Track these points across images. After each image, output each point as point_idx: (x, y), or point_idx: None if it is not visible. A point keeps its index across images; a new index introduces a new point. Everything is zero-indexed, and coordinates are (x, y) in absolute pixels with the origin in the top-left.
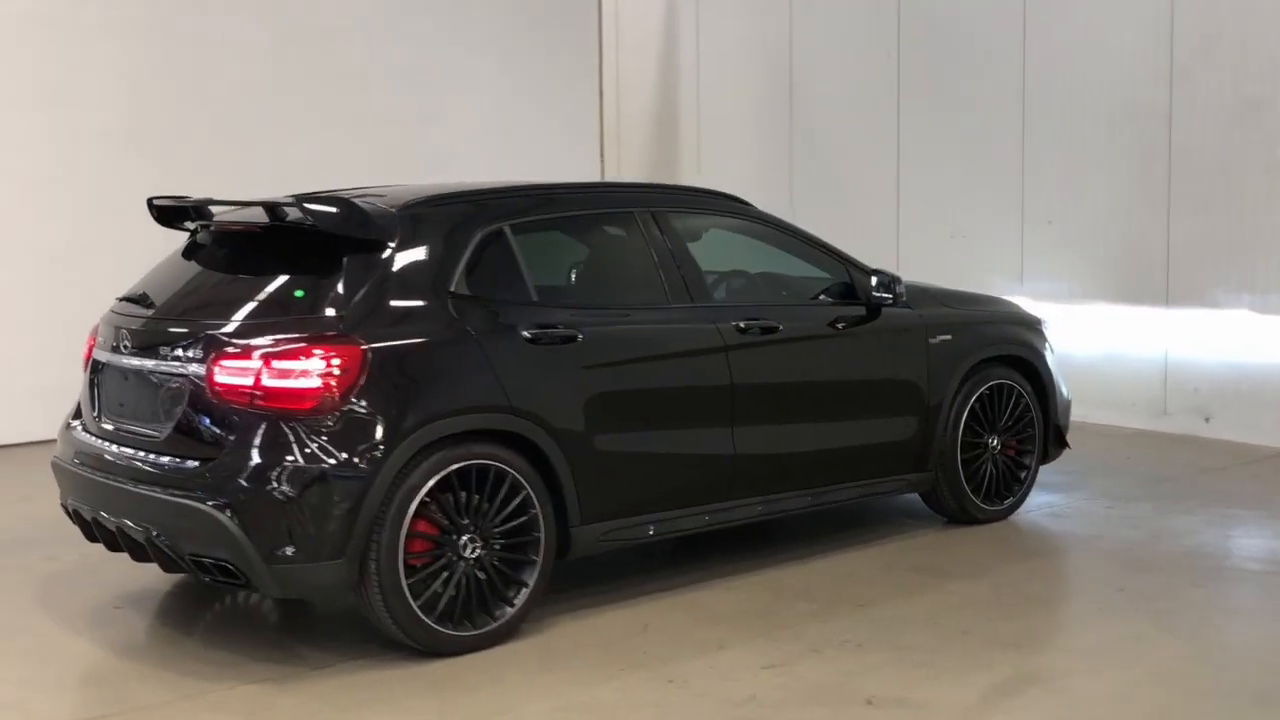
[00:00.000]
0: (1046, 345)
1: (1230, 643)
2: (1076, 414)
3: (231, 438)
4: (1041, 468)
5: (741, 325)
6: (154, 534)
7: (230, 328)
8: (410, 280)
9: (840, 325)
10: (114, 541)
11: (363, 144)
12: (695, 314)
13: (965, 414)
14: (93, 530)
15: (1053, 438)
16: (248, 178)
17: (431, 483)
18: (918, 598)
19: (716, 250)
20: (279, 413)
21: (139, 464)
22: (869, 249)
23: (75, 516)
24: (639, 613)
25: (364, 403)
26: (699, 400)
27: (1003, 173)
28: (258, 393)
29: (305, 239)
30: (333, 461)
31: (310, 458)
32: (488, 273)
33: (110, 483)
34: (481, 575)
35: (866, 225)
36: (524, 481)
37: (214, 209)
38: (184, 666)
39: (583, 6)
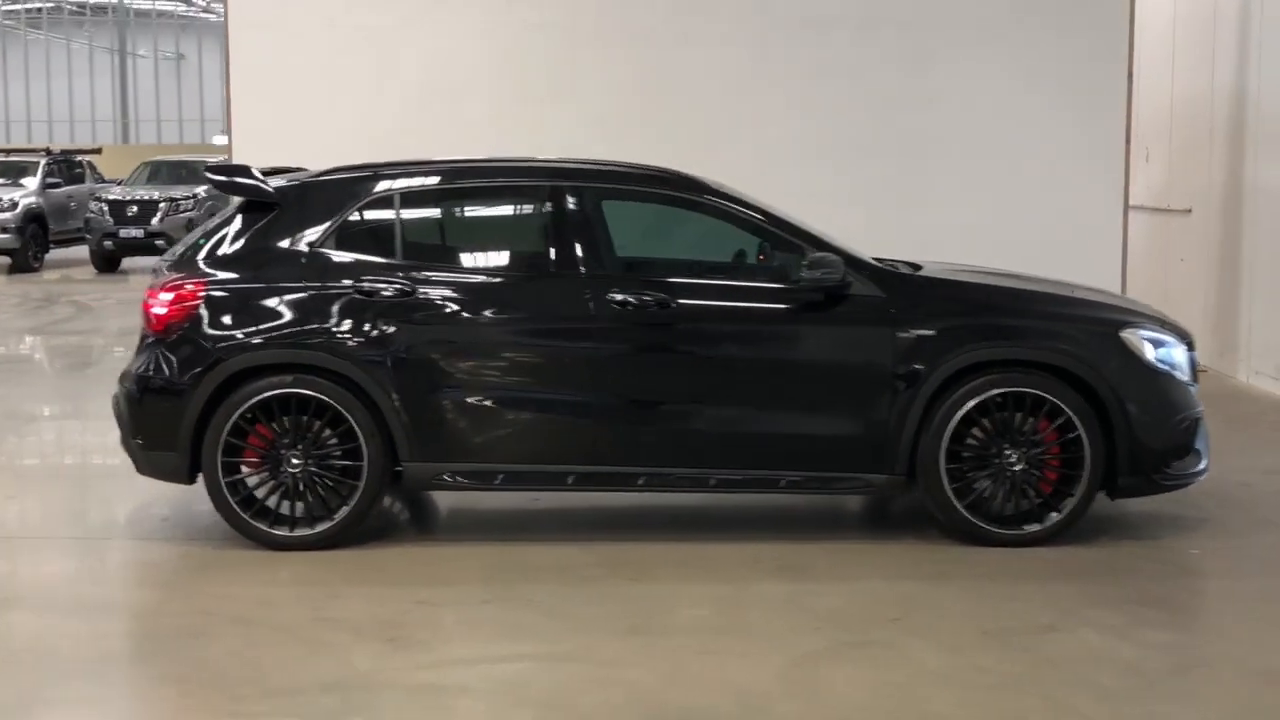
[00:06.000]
0: (1120, 357)
1: None
2: None
3: (139, 349)
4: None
5: (620, 298)
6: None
7: (165, 266)
8: (278, 236)
9: (779, 309)
10: None
11: (846, 129)
12: (573, 284)
13: (955, 420)
14: None
15: (1125, 466)
16: (729, 163)
17: (250, 403)
18: (696, 587)
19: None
20: (150, 333)
21: None
22: None
23: None
24: (471, 550)
25: (195, 331)
26: (553, 364)
27: None
28: (148, 315)
29: (251, 201)
30: (165, 375)
31: (155, 369)
32: (359, 235)
33: None
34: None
35: None
36: (346, 414)
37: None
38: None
39: None
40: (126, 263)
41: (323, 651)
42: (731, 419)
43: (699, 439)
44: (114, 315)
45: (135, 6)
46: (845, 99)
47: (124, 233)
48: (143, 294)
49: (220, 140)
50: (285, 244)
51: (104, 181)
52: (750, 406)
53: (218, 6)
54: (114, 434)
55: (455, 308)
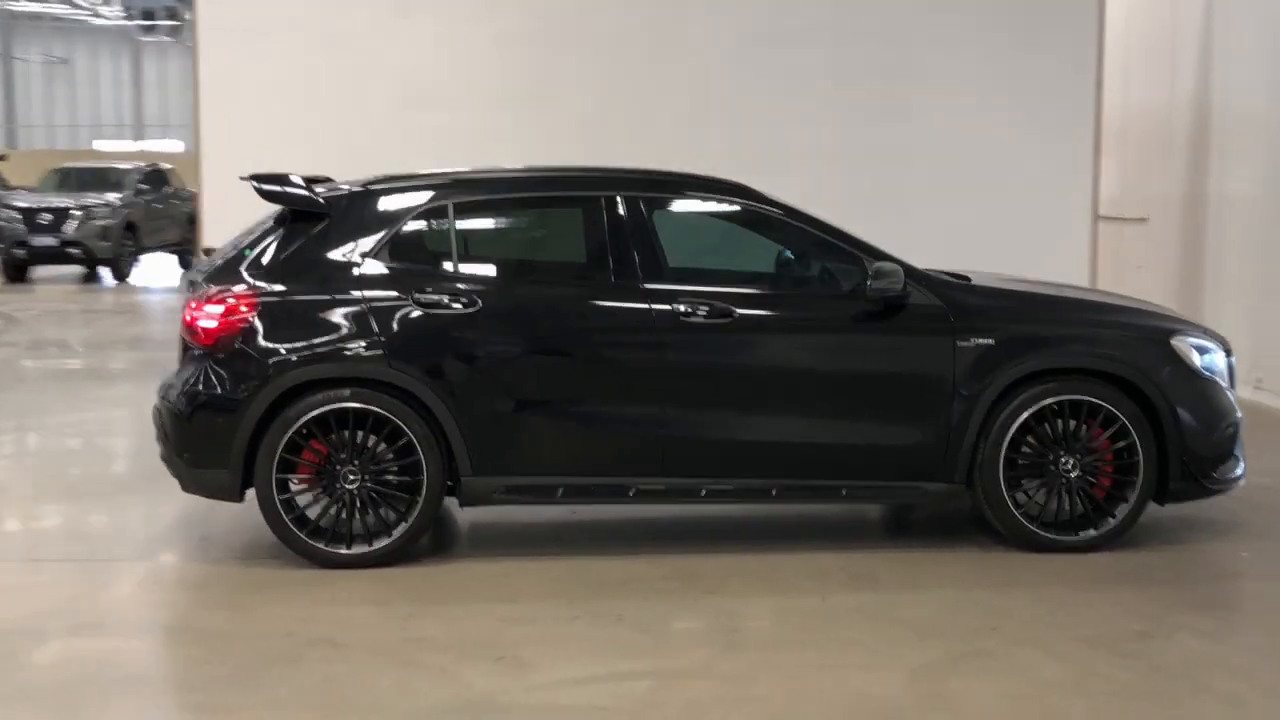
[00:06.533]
0: (1171, 364)
1: None
2: None
3: (181, 364)
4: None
5: (683, 309)
6: (156, 437)
7: (201, 277)
8: (329, 248)
9: (839, 318)
10: None
11: (822, 140)
12: (633, 295)
13: (1013, 428)
14: None
15: (1176, 472)
16: (706, 172)
17: (305, 418)
18: (777, 598)
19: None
20: (197, 346)
21: (162, 386)
22: None
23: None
24: (531, 565)
25: (248, 344)
26: (615, 376)
27: None
28: (194, 329)
29: (296, 211)
30: (216, 390)
31: (205, 383)
32: (415, 246)
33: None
34: (366, 506)
35: None
36: (405, 428)
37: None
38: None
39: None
40: (36, 271)
41: (432, 674)
42: (794, 429)
43: (762, 450)
44: (47, 326)
45: (21, 9)
46: (821, 110)
47: (37, 241)
48: (184, 307)
49: (101, 146)
50: (337, 255)
51: (9, 188)
52: (812, 417)
53: (105, 10)
54: (111, 447)
55: (516, 319)
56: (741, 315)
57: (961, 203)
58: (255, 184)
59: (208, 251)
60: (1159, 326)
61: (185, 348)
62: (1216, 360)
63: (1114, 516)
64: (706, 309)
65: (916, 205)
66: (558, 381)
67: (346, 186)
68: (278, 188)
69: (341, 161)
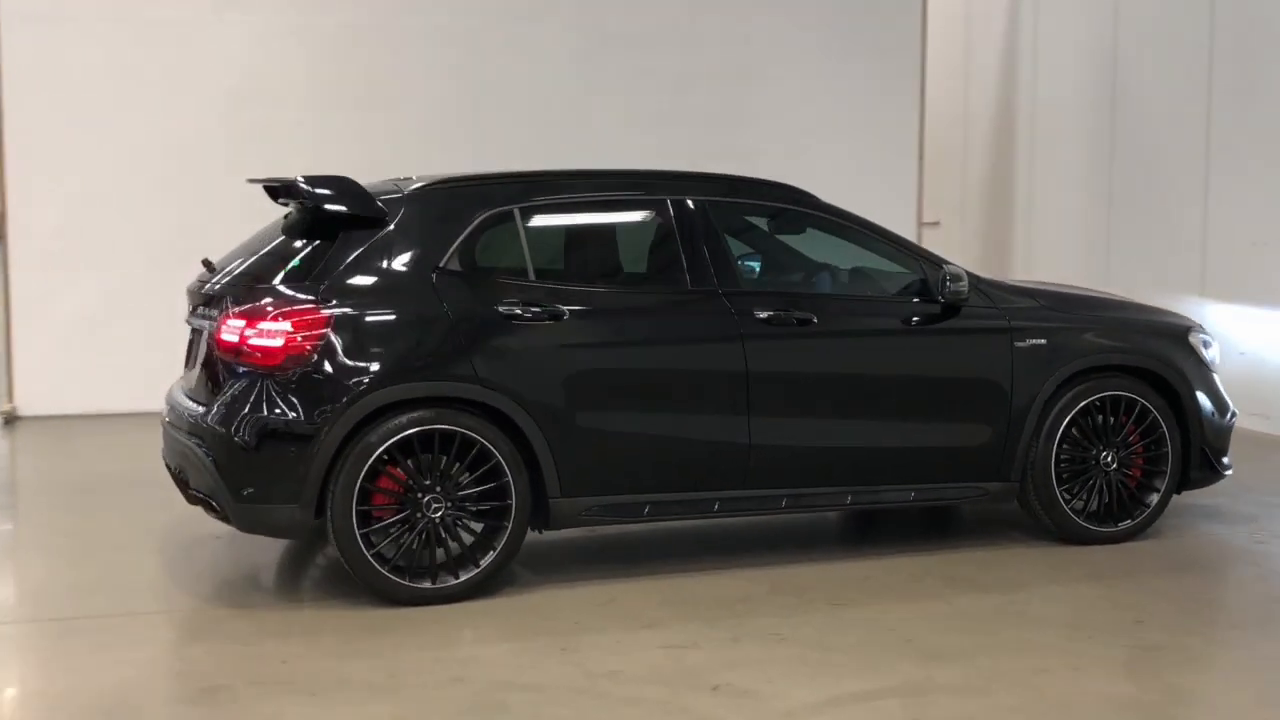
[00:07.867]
0: (1191, 359)
1: None
2: None
3: (222, 388)
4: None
5: (765, 315)
6: (178, 471)
7: (239, 293)
8: (396, 256)
9: (907, 323)
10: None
11: (666, 143)
12: (714, 301)
13: (1063, 425)
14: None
15: (1196, 461)
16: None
17: (389, 443)
18: (906, 605)
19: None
20: (254, 368)
21: (186, 413)
22: (1173, 255)
23: (168, 470)
24: (624, 588)
25: (322, 364)
26: (702, 386)
27: None
28: (243, 349)
29: (333, 216)
30: (289, 415)
31: (271, 409)
32: (485, 253)
33: (173, 433)
34: (447, 535)
35: (1174, 231)
36: (493, 450)
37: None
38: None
39: (906, 7)
40: None
41: (669, 711)
42: (875, 434)
43: (843, 456)
44: None
45: None
46: (665, 112)
47: None
48: (216, 326)
49: None
50: (402, 265)
51: None
52: (892, 420)
53: None
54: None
55: (603, 329)
56: (823, 321)
57: None
58: (306, 187)
59: (207, 263)
60: (1178, 323)
61: (225, 369)
62: (1215, 354)
63: (1146, 506)
64: (789, 314)
65: None
66: (645, 392)
67: (396, 189)
68: (330, 191)
69: (165, 161)
